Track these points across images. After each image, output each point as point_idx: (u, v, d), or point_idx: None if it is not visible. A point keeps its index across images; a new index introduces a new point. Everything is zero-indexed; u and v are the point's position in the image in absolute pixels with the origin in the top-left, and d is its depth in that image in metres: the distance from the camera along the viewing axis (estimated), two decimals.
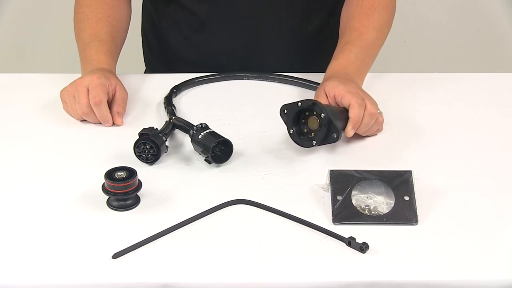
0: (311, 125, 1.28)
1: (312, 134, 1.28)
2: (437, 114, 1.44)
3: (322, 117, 1.25)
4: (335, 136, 1.25)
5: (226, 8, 1.58)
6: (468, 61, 2.75)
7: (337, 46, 1.50)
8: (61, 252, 1.08)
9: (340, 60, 1.45)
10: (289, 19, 1.60)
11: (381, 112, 1.35)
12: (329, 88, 1.35)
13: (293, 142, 1.29)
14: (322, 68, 1.46)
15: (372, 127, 1.33)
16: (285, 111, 1.29)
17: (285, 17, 1.60)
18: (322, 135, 1.25)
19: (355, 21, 1.50)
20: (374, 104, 1.33)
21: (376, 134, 1.36)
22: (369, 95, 1.36)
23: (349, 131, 1.29)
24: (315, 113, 1.27)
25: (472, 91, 1.53)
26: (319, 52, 1.63)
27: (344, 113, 1.30)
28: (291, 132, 1.29)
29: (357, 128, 1.30)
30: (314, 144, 1.26)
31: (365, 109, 1.30)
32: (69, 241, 1.10)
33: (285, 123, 1.29)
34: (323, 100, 1.34)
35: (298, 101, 1.27)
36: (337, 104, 1.33)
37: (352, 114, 1.29)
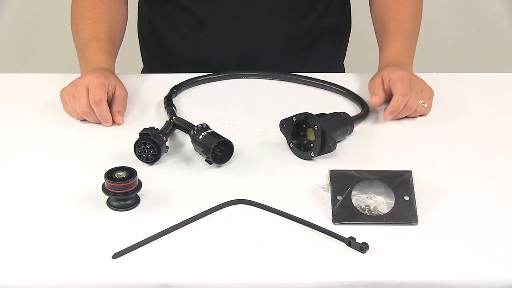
0: (310, 137, 1.30)
1: (311, 145, 1.29)
2: (437, 114, 1.44)
3: (316, 129, 1.26)
4: (330, 146, 1.26)
5: (224, 7, 1.58)
6: (468, 61, 2.74)
7: (380, 38, 1.55)
8: (61, 252, 1.08)
9: (390, 50, 1.52)
10: (287, 17, 1.60)
11: (424, 104, 1.40)
12: (386, 73, 1.42)
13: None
14: (318, 64, 1.46)
15: (410, 114, 1.40)
16: (284, 125, 1.31)
17: (283, 16, 1.60)
18: (318, 146, 1.27)
19: (391, 11, 1.57)
20: (416, 98, 1.39)
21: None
22: (420, 85, 1.42)
23: (387, 115, 1.38)
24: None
25: (472, 91, 1.53)
26: (315, 48, 1.64)
27: (347, 118, 1.32)
28: (291, 146, 1.30)
29: (395, 116, 1.38)
30: (312, 156, 1.27)
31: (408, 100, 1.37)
32: (69, 241, 1.10)
33: (285, 137, 1.31)
34: (378, 85, 1.41)
35: (293, 116, 1.29)
36: (389, 88, 1.39)
37: (392, 101, 1.37)
